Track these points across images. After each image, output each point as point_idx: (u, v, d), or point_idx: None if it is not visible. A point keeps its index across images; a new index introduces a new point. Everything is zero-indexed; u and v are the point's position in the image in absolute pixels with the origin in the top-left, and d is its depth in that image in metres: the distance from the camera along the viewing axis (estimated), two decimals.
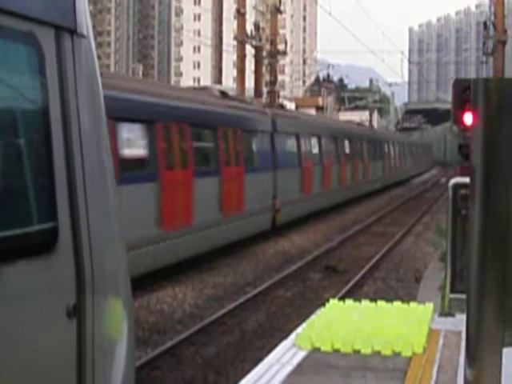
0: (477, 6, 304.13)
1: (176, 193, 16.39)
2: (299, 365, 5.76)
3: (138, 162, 15.39)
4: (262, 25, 42.46)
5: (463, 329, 3.20)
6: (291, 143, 26.45)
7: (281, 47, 42.64)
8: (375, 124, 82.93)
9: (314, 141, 29.44)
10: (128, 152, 14.66)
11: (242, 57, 36.17)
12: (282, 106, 30.74)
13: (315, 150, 29.64)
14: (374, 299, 8.32)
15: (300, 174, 26.89)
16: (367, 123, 69.46)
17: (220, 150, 19.41)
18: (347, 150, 35.77)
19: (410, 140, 76.67)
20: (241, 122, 21.63)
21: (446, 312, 7.52)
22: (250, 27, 37.28)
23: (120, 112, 14.10)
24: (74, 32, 3.26)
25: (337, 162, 33.10)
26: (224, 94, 22.62)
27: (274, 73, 41.40)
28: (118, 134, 14.18)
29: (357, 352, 6.06)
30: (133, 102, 15.19)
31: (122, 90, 14.77)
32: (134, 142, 15.11)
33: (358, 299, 8.35)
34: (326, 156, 30.99)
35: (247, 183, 21.05)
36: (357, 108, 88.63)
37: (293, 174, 26.08)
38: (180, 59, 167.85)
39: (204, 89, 24.35)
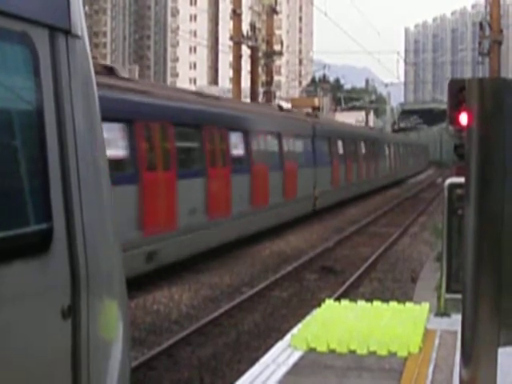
0: (473, 6, 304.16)
1: (259, 181, 22.55)
2: (295, 365, 5.75)
3: (239, 159, 21.42)
4: (257, 25, 42.56)
5: (459, 329, 3.19)
6: (325, 145, 32.64)
7: (277, 48, 42.68)
8: (371, 124, 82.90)
9: (340, 143, 35.44)
10: (235, 152, 20.94)
11: (238, 57, 36.20)
12: (316, 116, 36.45)
13: (341, 151, 35.55)
14: (370, 299, 8.32)
15: (331, 170, 32.95)
16: (363, 124, 69.90)
17: (283, 150, 25.79)
18: (363, 151, 41.49)
19: (410, 140, 77.47)
20: (294, 129, 27.98)
21: (441, 312, 7.52)
22: (245, 28, 37.27)
23: (231, 124, 20.70)
24: (68, 32, 3.25)
25: (356, 160, 38.96)
26: (280, 108, 30.71)
27: (270, 73, 41.44)
28: (230, 139, 20.34)
29: (353, 352, 6.04)
30: (239, 118, 21.85)
31: (231, 108, 22.06)
32: (238, 145, 21.34)
33: (353, 299, 8.35)
34: (348, 155, 36.85)
35: (299, 176, 27.13)
36: (353, 108, 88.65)
37: (326, 169, 32.06)
38: (176, 60, 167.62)
39: (264, 104, 31.16)
